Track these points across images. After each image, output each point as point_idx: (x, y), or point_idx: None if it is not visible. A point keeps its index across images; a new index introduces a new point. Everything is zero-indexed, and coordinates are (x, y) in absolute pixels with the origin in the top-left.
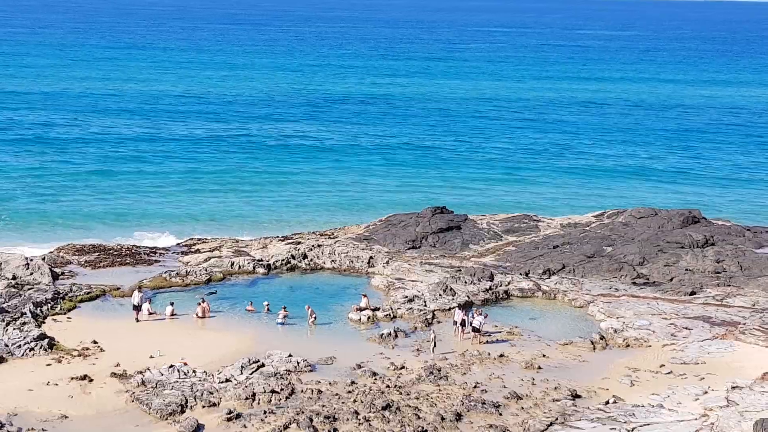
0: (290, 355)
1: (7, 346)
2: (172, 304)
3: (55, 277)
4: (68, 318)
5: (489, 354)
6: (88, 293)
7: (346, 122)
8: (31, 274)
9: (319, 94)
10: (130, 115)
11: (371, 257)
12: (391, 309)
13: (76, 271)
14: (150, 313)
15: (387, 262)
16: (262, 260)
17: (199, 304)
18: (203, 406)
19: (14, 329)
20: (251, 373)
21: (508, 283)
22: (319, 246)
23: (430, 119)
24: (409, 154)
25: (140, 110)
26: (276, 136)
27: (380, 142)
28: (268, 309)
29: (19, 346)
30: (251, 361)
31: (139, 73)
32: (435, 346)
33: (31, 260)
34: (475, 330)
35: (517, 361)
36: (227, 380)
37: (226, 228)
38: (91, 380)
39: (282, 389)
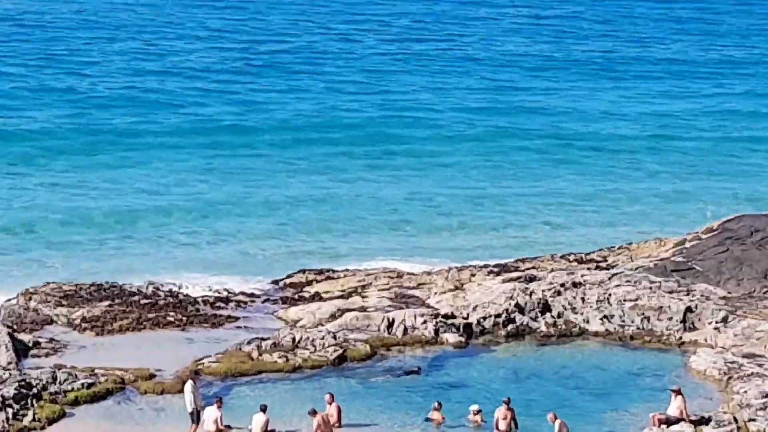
0: None
1: None
2: (264, 409)
3: (20, 352)
4: None
5: None
6: (91, 386)
7: None
8: None
9: None
10: None
11: (690, 309)
12: (735, 420)
13: (65, 340)
14: (221, 428)
15: (725, 320)
16: (453, 316)
17: (321, 411)
18: None
19: None
20: None
21: None
22: (575, 285)
23: None
24: None
25: None
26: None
27: None
28: (481, 419)
29: None
30: None
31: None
32: None
33: None
34: None
35: None
36: None
37: (373, 249)
38: None
39: None
